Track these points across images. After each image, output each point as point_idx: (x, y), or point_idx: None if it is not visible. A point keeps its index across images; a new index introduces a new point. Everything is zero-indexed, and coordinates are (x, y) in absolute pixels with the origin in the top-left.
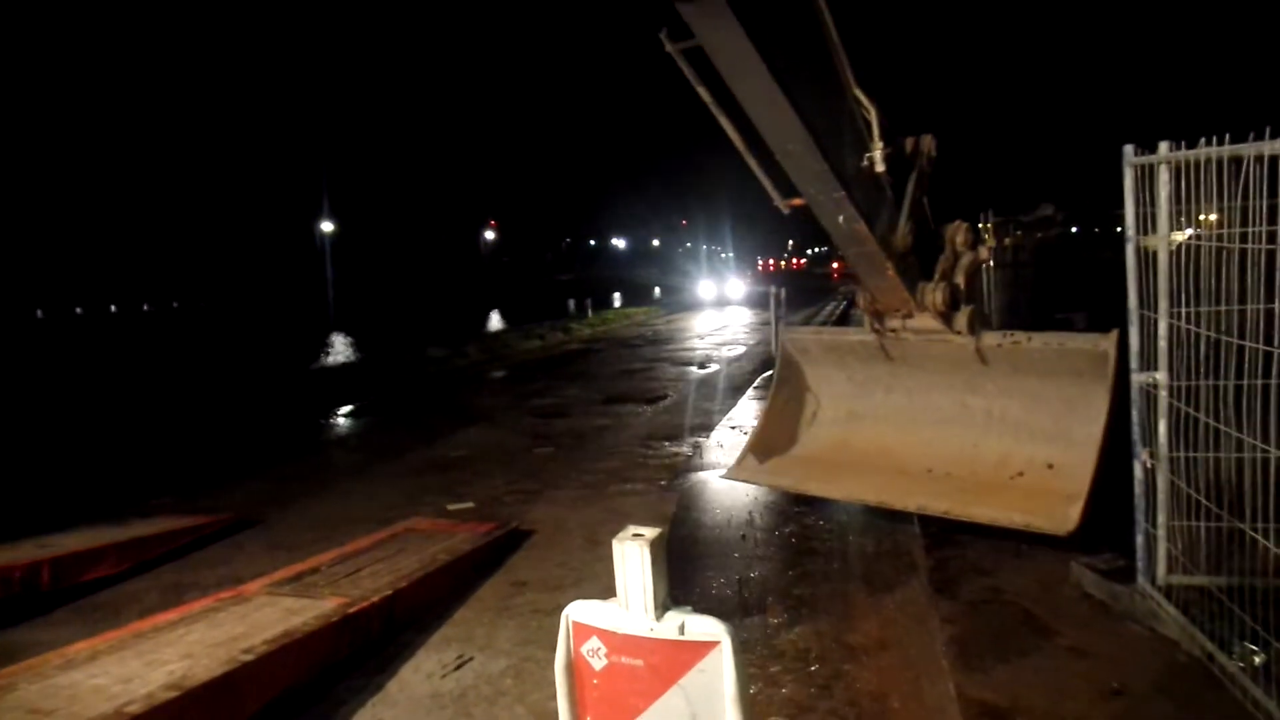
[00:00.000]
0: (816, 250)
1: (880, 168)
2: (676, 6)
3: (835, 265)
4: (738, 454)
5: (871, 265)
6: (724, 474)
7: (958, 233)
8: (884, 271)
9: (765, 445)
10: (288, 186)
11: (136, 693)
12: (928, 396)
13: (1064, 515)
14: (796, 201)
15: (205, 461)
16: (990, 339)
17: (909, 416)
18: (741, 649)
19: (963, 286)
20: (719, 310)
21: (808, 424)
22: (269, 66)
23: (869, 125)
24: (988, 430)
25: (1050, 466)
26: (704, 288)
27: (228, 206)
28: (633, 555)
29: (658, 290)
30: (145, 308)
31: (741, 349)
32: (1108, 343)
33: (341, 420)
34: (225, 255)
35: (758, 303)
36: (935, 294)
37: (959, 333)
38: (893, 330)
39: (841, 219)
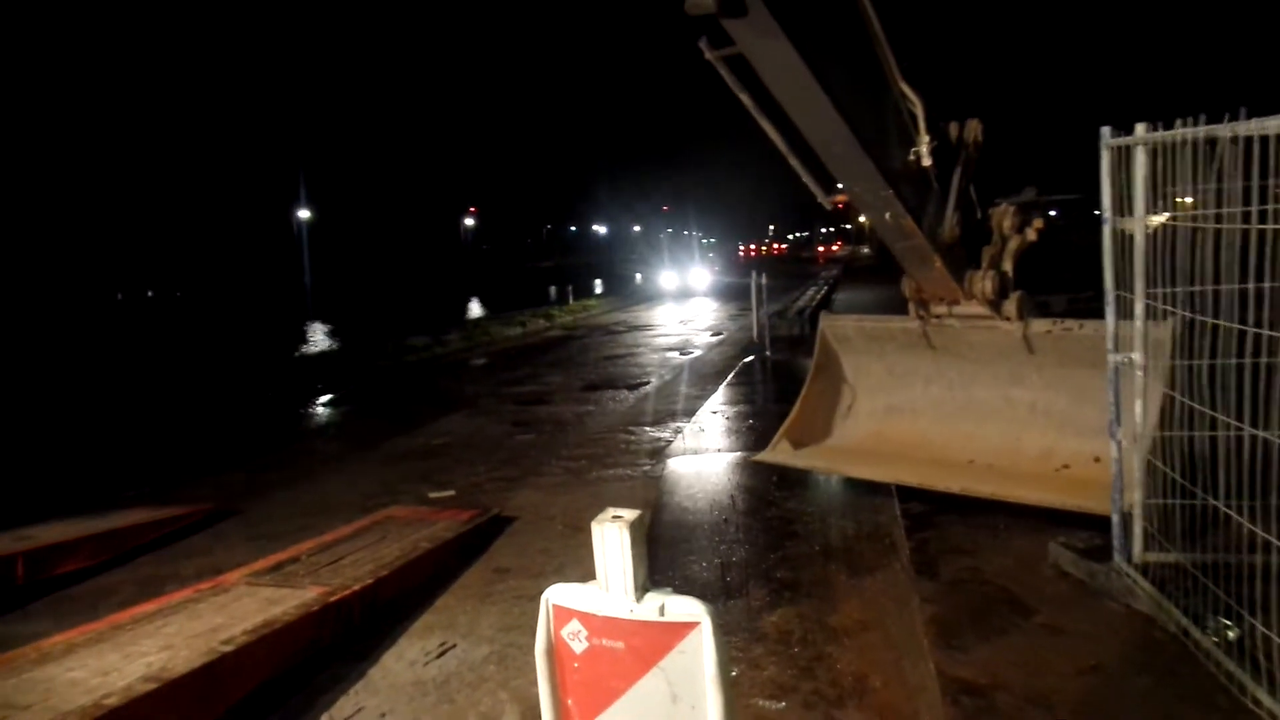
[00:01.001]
0: (798, 235)
1: (927, 162)
2: (724, 24)
3: (820, 249)
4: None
5: (918, 257)
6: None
7: (1005, 217)
8: (931, 263)
9: (799, 433)
10: (264, 173)
11: (114, 685)
12: (970, 390)
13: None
14: (840, 198)
15: (184, 452)
16: (1039, 326)
17: (950, 409)
18: (723, 631)
19: (1011, 273)
20: (679, 304)
21: (843, 417)
22: (246, 53)
23: (914, 119)
24: (1031, 424)
25: (1097, 460)
26: (666, 277)
27: (202, 194)
28: (612, 537)
29: (598, 284)
30: (119, 296)
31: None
32: (1163, 331)
33: (321, 409)
34: (200, 243)
35: (726, 294)
36: (984, 282)
37: (1007, 319)
38: (937, 316)
39: (888, 215)
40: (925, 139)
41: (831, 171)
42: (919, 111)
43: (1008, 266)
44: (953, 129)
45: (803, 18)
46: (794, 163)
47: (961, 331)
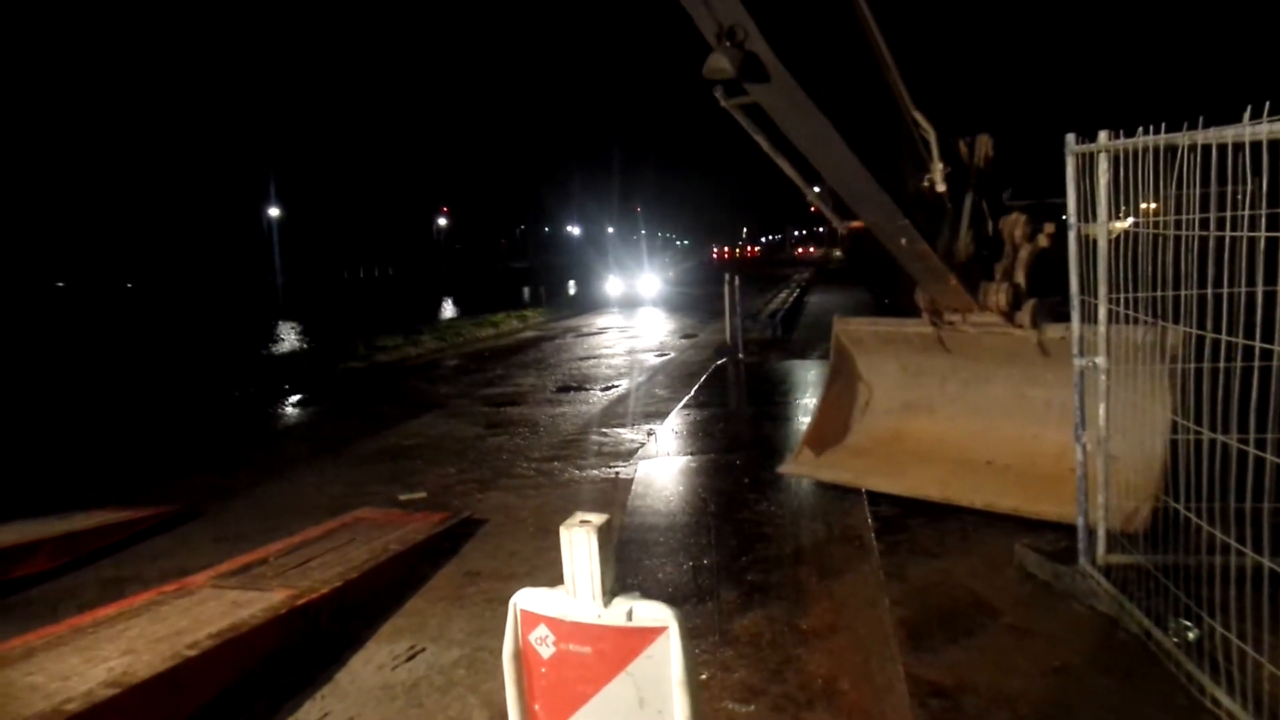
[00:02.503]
0: (770, 238)
1: (941, 187)
2: (746, 87)
3: (798, 251)
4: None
5: (934, 276)
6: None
7: (1016, 226)
8: (946, 281)
9: (820, 438)
10: (234, 171)
11: (75, 690)
12: (985, 387)
13: (1133, 512)
14: (855, 224)
15: (148, 452)
16: (1053, 331)
17: (966, 407)
18: (692, 635)
19: (1024, 283)
20: (627, 314)
21: (860, 414)
22: (218, 51)
23: (927, 145)
24: (1047, 421)
25: (1111, 458)
26: (611, 284)
27: (172, 190)
28: (580, 542)
29: (526, 291)
30: (59, 285)
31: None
32: (1174, 337)
33: (290, 409)
34: (167, 240)
35: (677, 305)
36: (998, 295)
37: (1020, 326)
38: (950, 323)
39: (904, 241)
40: (939, 165)
41: (848, 204)
42: (931, 138)
43: (1020, 277)
44: (962, 148)
45: (819, 70)
46: (810, 196)
47: (976, 337)
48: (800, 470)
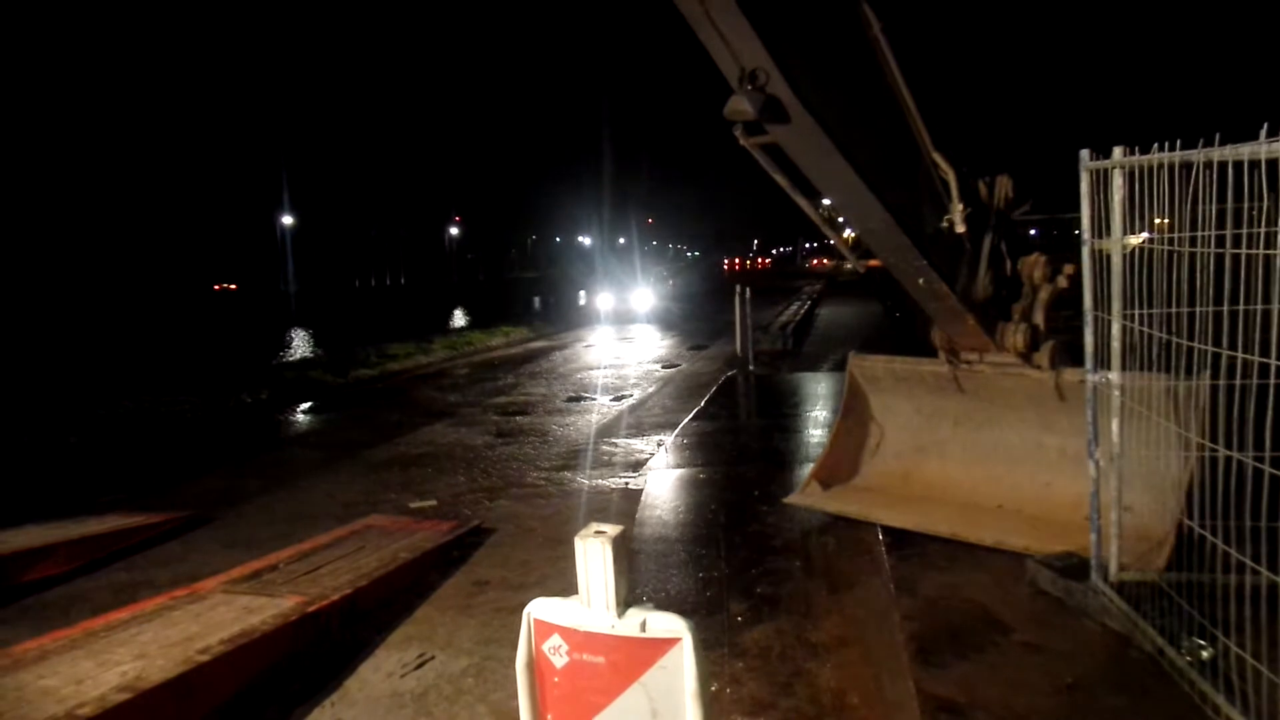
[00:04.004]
0: (781, 250)
1: (961, 229)
2: (767, 128)
3: (814, 262)
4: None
5: (951, 316)
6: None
7: (1035, 268)
8: (964, 321)
9: (829, 474)
10: (247, 178)
11: (88, 694)
12: (999, 432)
13: (1149, 557)
14: (873, 262)
15: (160, 457)
16: (1071, 375)
17: (979, 452)
18: (703, 647)
19: (1043, 326)
20: (620, 331)
21: (871, 455)
22: (230, 58)
23: (947, 187)
24: (1061, 469)
25: (1128, 509)
26: (601, 299)
27: (185, 197)
28: (594, 552)
29: (537, 301)
30: (70, 290)
31: None
32: (1200, 383)
33: (302, 416)
34: (182, 247)
35: (673, 322)
36: (1016, 336)
37: (1038, 367)
38: (967, 362)
39: (922, 281)
40: (959, 207)
41: (867, 244)
42: (951, 180)
43: (1039, 319)
44: (982, 189)
45: (840, 114)
46: (829, 233)
47: (992, 377)
48: (806, 502)
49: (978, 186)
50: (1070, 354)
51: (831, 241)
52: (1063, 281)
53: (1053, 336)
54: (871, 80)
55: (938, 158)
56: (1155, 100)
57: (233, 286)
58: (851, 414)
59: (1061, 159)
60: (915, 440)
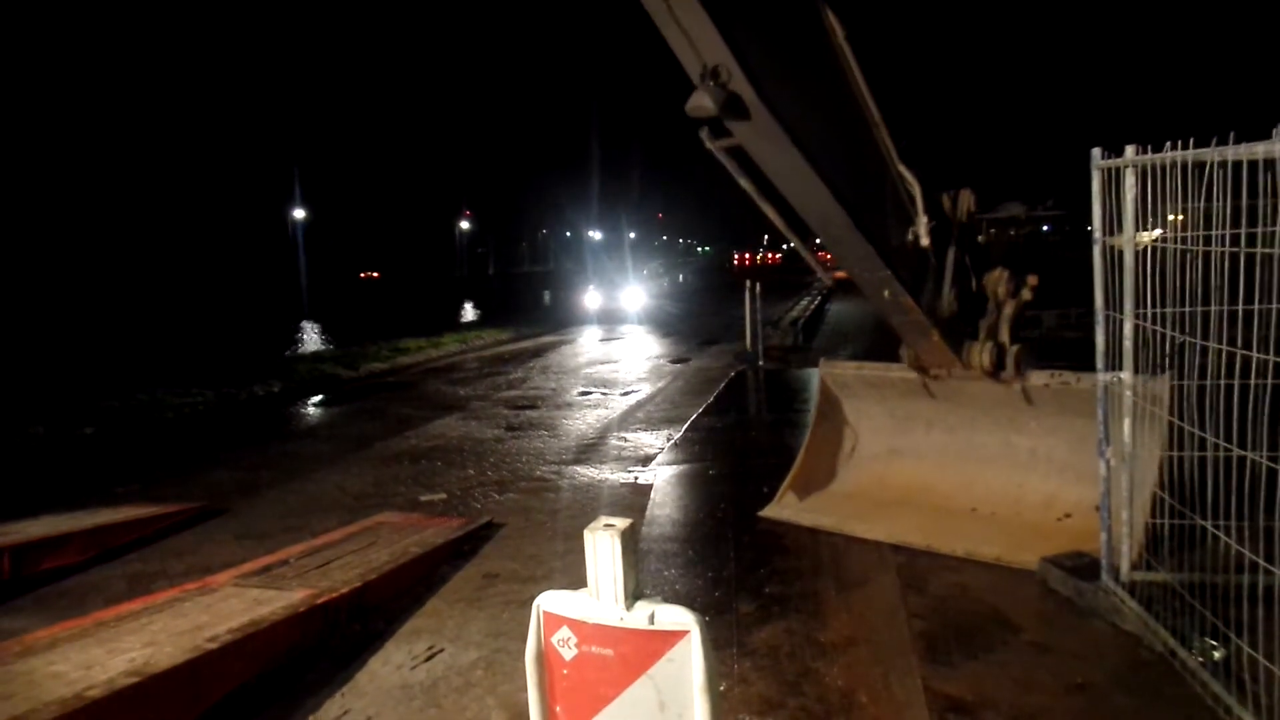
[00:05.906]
0: (791, 245)
1: (925, 241)
2: (729, 127)
3: (823, 256)
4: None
5: (917, 330)
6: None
7: (999, 284)
8: (929, 336)
9: (804, 481)
10: (259, 172)
11: (97, 678)
12: (971, 434)
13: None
14: (840, 274)
15: (174, 449)
16: (1037, 379)
17: (951, 454)
18: (712, 646)
19: (1008, 341)
20: (605, 333)
21: (846, 459)
22: (241, 52)
23: (912, 200)
24: (1032, 469)
25: (1097, 509)
26: (589, 297)
27: (197, 192)
28: (604, 545)
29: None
30: (82, 284)
31: None
32: (1160, 386)
33: (313, 409)
34: (195, 240)
35: (674, 328)
36: (982, 355)
37: (1005, 383)
38: (935, 377)
39: (887, 294)
40: (924, 219)
41: (832, 253)
42: (916, 192)
43: (1004, 336)
44: (945, 201)
45: (803, 115)
46: (795, 242)
47: (961, 385)
48: (782, 515)
49: (941, 200)
50: (1035, 353)
51: (793, 246)
52: (1027, 294)
53: (1017, 342)
54: (836, 86)
55: (903, 169)
56: (1158, 100)
57: (375, 275)
58: (825, 420)
59: (1070, 157)
60: (889, 443)
